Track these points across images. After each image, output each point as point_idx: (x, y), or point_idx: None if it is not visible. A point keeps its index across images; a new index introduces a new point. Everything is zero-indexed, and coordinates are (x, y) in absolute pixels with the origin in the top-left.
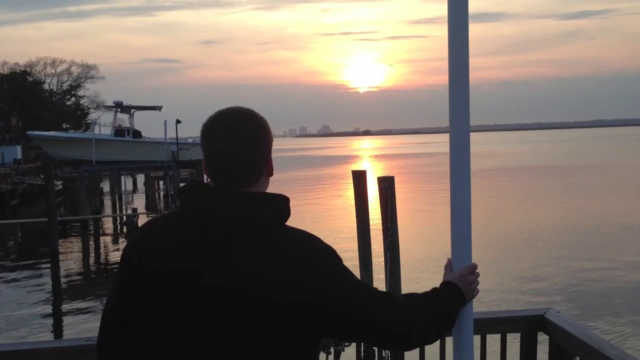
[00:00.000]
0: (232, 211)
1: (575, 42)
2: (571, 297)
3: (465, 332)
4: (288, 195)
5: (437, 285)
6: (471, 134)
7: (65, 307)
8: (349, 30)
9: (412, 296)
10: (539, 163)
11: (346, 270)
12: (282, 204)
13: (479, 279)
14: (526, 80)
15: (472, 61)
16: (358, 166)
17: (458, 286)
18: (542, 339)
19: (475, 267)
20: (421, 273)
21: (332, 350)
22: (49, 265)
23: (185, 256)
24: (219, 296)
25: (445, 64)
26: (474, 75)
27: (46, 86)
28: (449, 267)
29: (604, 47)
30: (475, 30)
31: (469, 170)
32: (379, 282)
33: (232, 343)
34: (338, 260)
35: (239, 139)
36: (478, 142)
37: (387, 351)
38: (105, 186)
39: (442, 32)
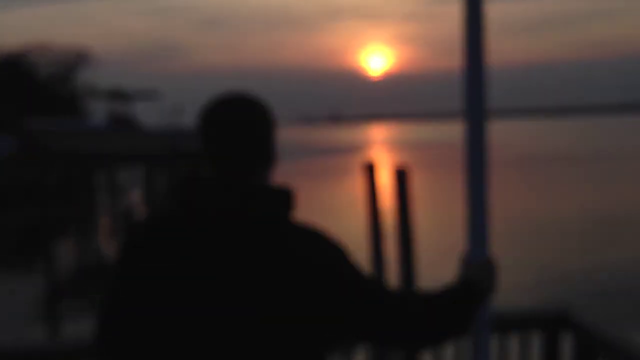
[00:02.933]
0: (234, 203)
1: (601, 21)
2: (596, 293)
3: (482, 331)
4: (293, 187)
5: (453, 281)
6: (489, 119)
7: (61, 305)
8: (359, 12)
9: (425, 294)
10: (563, 152)
11: (355, 265)
12: (287, 196)
13: (497, 274)
14: (548, 62)
15: (491, 42)
16: (369, 154)
17: (475, 281)
18: (565, 337)
19: (492, 261)
20: (437, 267)
21: (341, 350)
22: (44, 262)
23: (184, 250)
24: (220, 289)
25: (460, 45)
26: (494, 57)
27: (40, 73)
28: (464, 260)
29: (630, 26)
30: (494, 10)
31: (485, 159)
32: (392, 278)
33: (235, 336)
34: (347, 254)
35: (239, 126)
36: (495, 130)
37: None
38: (101, 179)
39: (457, 11)
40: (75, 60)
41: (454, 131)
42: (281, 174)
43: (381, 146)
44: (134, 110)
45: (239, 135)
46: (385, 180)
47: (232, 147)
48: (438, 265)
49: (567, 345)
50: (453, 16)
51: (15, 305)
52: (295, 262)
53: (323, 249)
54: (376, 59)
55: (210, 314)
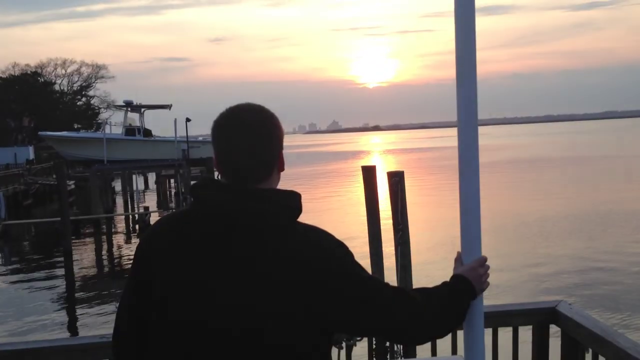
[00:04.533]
0: (243, 208)
1: (585, 33)
2: (583, 289)
3: (476, 325)
4: (299, 192)
5: (448, 278)
6: (481, 127)
7: (79, 305)
8: (357, 25)
9: (422, 290)
10: (549, 155)
11: (358, 265)
12: (293, 200)
13: (489, 272)
14: (536, 72)
15: (482, 54)
16: (368, 161)
17: (468, 279)
18: (554, 332)
19: (485, 259)
20: (432, 267)
21: (343, 345)
22: (62, 264)
23: (196, 252)
24: (227, 291)
25: (454, 57)
26: (484, 68)
27: (57, 87)
28: (458, 260)
29: (614, 37)
30: (484, 23)
31: (477, 164)
32: (390, 276)
33: (241, 337)
34: (349, 255)
35: (250, 135)
36: (488, 135)
37: (399, 345)
38: (117, 185)
39: (451, 25)
40: (91, 75)
41: (446, 139)
42: (288, 178)
43: (379, 152)
44: (147, 120)
45: (248, 143)
46: (383, 182)
47: (242, 154)
48: (431, 259)
49: (557, 339)
50: (449, 30)
51: (36, 302)
52: (301, 265)
53: (327, 248)
54: (375, 71)
55: (216, 314)
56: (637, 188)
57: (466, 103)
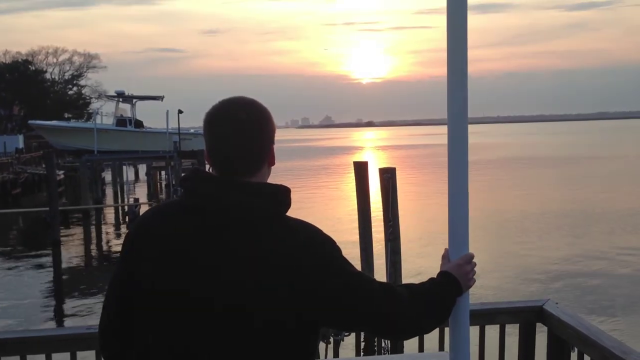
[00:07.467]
0: (232, 201)
1: (580, 33)
2: (570, 289)
3: (462, 323)
4: (289, 186)
5: (435, 275)
6: (473, 126)
7: (66, 296)
8: (352, 20)
9: (409, 286)
10: (539, 154)
11: (345, 261)
12: (283, 195)
13: (475, 269)
14: (530, 72)
15: (476, 52)
16: (360, 157)
17: (454, 276)
18: (541, 330)
19: (472, 256)
20: (422, 263)
21: (331, 339)
22: (50, 254)
23: (184, 242)
24: (214, 284)
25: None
26: (478, 67)
27: (48, 75)
28: (446, 257)
29: (609, 38)
30: (479, 21)
31: (466, 162)
32: (380, 272)
33: (230, 321)
34: (337, 250)
35: (241, 128)
36: (480, 134)
37: (386, 341)
38: (107, 176)
39: (445, 22)
40: (83, 64)
41: (440, 137)
42: (279, 173)
43: (371, 148)
44: (139, 111)
45: (239, 137)
46: (374, 178)
47: (233, 147)
48: (420, 254)
49: (543, 338)
50: (443, 27)
51: (22, 292)
52: (288, 261)
53: (315, 244)
54: (369, 67)
55: (203, 307)
56: (623, 188)
57: (457, 101)
